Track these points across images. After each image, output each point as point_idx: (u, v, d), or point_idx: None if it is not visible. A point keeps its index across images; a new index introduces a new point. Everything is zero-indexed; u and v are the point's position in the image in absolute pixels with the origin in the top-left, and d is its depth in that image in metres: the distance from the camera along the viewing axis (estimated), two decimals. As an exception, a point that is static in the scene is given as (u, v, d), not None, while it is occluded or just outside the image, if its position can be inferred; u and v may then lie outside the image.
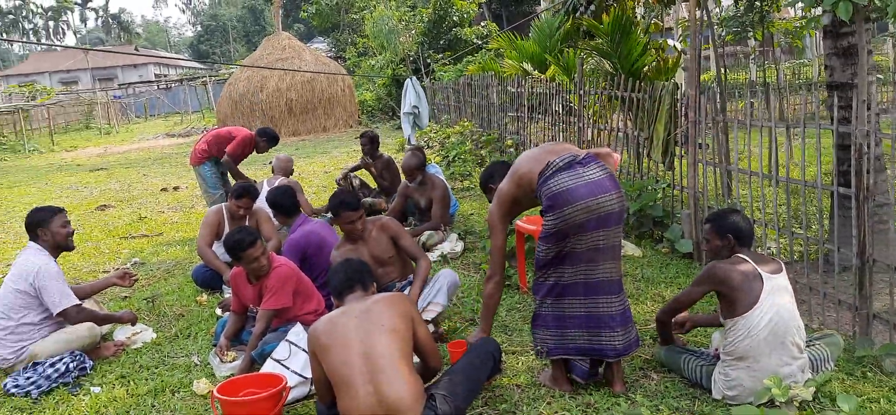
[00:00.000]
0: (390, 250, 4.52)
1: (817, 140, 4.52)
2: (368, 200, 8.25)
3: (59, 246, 4.50)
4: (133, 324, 4.79)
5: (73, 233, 4.59)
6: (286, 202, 5.17)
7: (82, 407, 3.88)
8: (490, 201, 3.72)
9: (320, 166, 13.28)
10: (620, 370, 3.50)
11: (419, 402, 2.93)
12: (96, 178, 14.18)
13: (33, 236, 4.47)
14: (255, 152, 7.94)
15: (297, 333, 3.82)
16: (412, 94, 11.87)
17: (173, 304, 5.54)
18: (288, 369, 3.67)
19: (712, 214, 3.57)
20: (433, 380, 3.26)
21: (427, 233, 6.31)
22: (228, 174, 7.86)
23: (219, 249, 5.84)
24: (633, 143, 7.11)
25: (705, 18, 7.10)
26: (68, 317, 4.38)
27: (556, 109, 9.65)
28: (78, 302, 4.40)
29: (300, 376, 3.65)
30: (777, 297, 3.14)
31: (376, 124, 21.45)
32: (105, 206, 10.58)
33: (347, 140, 17.80)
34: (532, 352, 4.04)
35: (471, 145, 11.74)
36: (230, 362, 4.17)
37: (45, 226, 4.42)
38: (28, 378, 4.17)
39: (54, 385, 4.14)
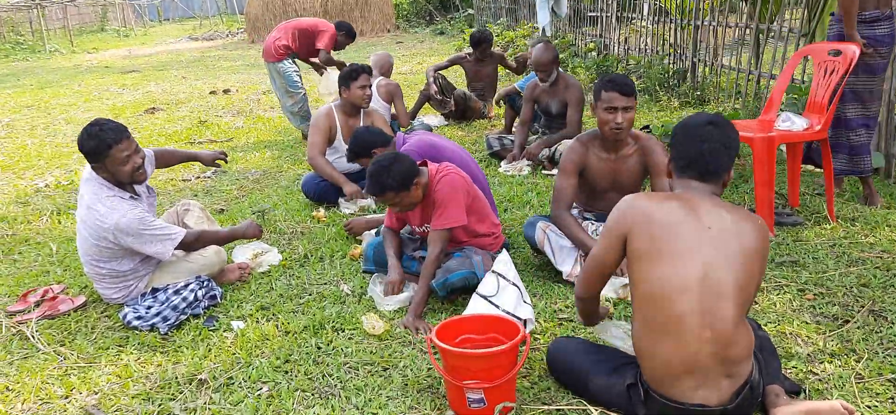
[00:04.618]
0: (640, 177, 3.59)
1: None
2: (464, 91, 7.42)
3: (123, 185, 3.43)
4: (258, 238, 4.01)
5: (140, 167, 3.43)
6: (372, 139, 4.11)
7: (228, 346, 3.14)
8: None
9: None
10: None
11: (751, 358, 2.19)
12: (132, 80, 13.26)
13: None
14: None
15: (505, 262, 3.04)
16: None
17: (286, 220, 4.76)
18: (497, 307, 2.91)
19: None
20: None
21: (565, 143, 5.44)
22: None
23: (332, 155, 5.04)
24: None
25: None
26: (185, 249, 3.60)
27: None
28: (184, 232, 3.53)
29: (512, 316, 2.89)
30: None
31: (414, 30, 20.29)
32: (154, 108, 9.73)
33: (386, 46, 16.70)
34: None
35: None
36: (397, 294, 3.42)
37: (101, 160, 3.32)
38: (149, 308, 3.43)
39: (183, 317, 3.40)
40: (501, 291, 2.94)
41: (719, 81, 7.37)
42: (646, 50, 9.09)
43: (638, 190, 3.65)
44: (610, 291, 3.27)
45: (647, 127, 6.37)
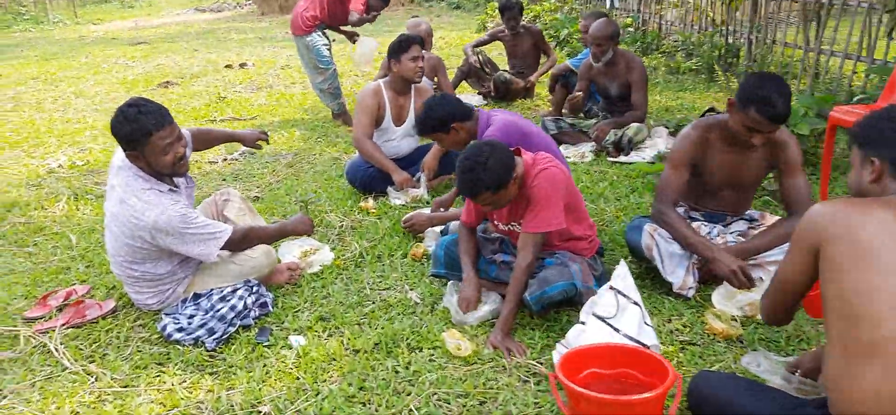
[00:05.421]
0: (764, 173, 3.10)
1: None
2: (504, 75, 6.86)
3: (160, 175, 2.94)
4: (309, 234, 3.53)
5: (182, 157, 2.95)
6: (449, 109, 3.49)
7: (289, 368, 2.68)
8: None
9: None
10: None
11: None
12: (142, 52, 12.69)
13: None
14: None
15: (624, 276, 2.56)
16: None
17: (332, 210, 4.28)
18: (617, 331, 2.43)
19: None
20: None
21: (634, 127, 4.95)
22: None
23: (379, 137, 4.54)
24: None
25: None
26: (231, 249, 3.12)
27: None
28: (230, 230, 3.04)
29: (633, 341, 2.42)
30: None
31: (429, 4, 19.65)
32: (168, 83, 9.20)
33: (401, 20, 16.06)
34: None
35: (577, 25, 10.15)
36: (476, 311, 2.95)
37: (137, 148, 2.81)
38: (191, 318, 2.96)
39: (232, 329, 2.93)
40: (621, 312, 2.46)
41: (783, 59, 6.85)
42: (690, 25, 8.57)
43: (755, 189, 3.17)
44: (734, 308, 2.80)
45: (712, 109, 5.87)
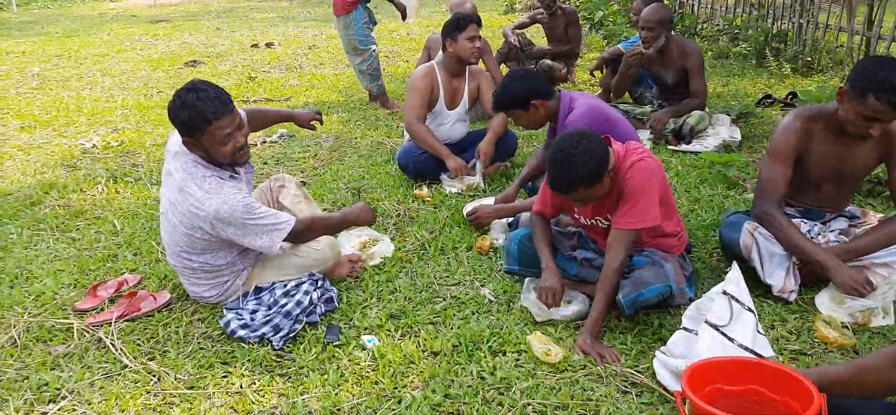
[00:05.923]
0: (871, 167, 2.88)
1: None
2: (547, 62, 6.63)
3: (220, 162, 2.75)
4: (371, 224, 3.33)
5: (242, 147, 2.73)
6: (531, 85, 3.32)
7: (364, 371, 2.49)
8: None
9: (399, 28, 11.43)
10: None
11: None
12: (163, 30, 12.49)
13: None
14: None
15: (736, 280, 2.35)
16: None
17: (386, 198, 4.08)
18: (732, 340, 2.23)
19: None
20: None
21: (696, 115, 4.72)
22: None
23: (432, 122, 4.34)
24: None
25: None
26: (294, 241, 2.92)
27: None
28: (293, 220, 2.84)
29: (748, 351, 2.22)
30: None
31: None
32: (195, 62, 9.01)
33: (428, -1, 15.79)
34: None
35: (617, 6, 9.87)
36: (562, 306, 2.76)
37: (195, 136, 2.63)
38: (254, 313, 2.78)
39: (298, 326, 2.74)
40: (736, 319, 2.26)
41: (835, 44, 6.59)
42: (733, 9, 8.30)
43: (858, 183, 2.95)
44: (844, 314, 2.59)
45: (767, 96, 5.64)
